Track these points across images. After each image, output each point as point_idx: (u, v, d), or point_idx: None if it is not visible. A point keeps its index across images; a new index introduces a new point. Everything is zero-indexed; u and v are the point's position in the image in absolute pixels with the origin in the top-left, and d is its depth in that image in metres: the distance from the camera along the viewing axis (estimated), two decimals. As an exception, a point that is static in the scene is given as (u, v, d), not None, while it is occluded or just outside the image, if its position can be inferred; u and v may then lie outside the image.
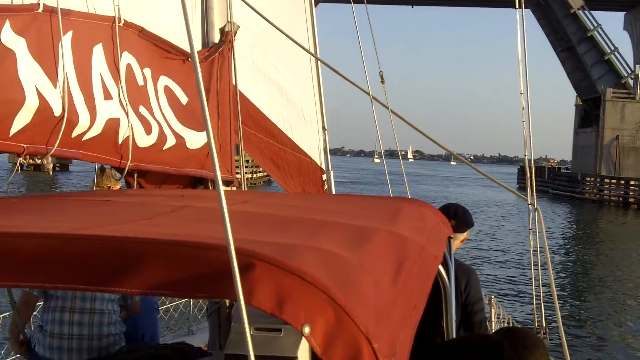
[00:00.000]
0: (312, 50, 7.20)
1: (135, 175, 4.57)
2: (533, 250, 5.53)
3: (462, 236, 5.11)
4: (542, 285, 5.63)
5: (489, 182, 5.77)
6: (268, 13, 5.98)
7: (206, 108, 1.79)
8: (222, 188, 1.74)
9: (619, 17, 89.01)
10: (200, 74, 1.79)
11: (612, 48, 77.93)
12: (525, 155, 5.53)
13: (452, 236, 4.02)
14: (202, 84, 1.78)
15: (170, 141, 4.64)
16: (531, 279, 5.78)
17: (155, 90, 4.64)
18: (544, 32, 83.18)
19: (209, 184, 5.12)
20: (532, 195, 5.36)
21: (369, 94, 6.41)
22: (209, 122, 1.80)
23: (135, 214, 2.69)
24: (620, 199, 69.59)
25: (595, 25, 76.98)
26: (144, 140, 4.45)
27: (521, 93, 5.51)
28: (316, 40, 7.44)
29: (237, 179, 5.37)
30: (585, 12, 77.04)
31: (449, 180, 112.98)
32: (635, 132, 74.27)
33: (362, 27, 8.94)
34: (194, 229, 2.36)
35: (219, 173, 1.76)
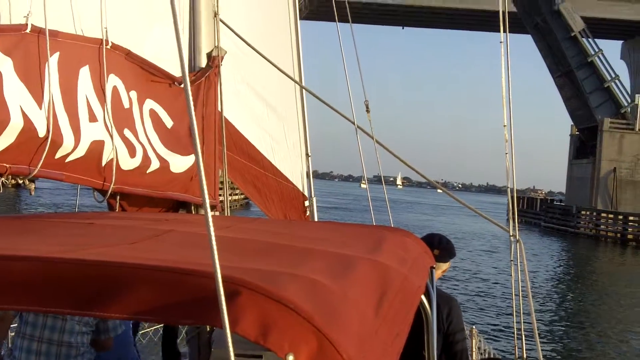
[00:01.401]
0: (297, 78, 7.22)
1: (118, 197, 4.55)
2: (515, 282, 5.54)
3: (445, 266, 5.12)
4: (524, 317, 5.64)
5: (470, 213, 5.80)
6: (253, 38, 6.00)
7: (196, 132, 1.80)
8: (210, 214, 1.74)
9: (615, 45, 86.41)
10: (191, 98, 1.79)
11: (613, 75, 73.84)
12: (508, 187, 5.56)
13: (434, 266, 4.03)
14: (192, 108, 1.79)
15: (154, 164, 4.63)
16: (512, 310, 5.78)
17: (141, 113, 4.64)
18: (542, 55, 79.48)
19: (192, 208, 5.10)
20: (514, 227, 5.37)
21: (353, 123, 6.44)
22: (198, 146, 1.80)
23: (119, 238, 2.68)
24: (618, 235, 65.46)
25: (597, 50, 72.99)
26: (128, 163, 4.44)
27: (504, 125, 5.56)
28: (301, 68, 7.46)
29: (220, 203, 5.36)
30: (587, 36, 72.56)
31: (435, 209, 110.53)
32: (634, 164, 71.01)
33: (350, 55, 8.97)
34: (179, 254, 2.36)
35: (207, 199, 1.76)
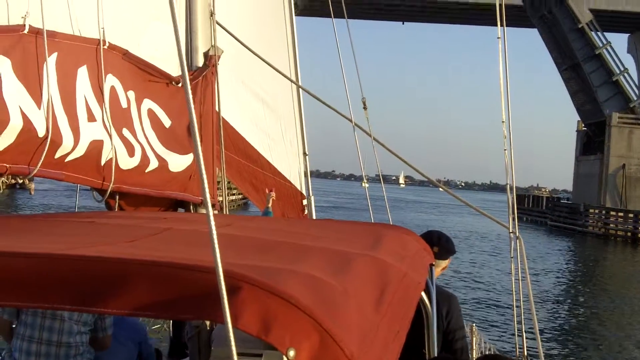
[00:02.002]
0: (294, 77, 7.23)
1: (117, 197, 4.56)
2: (515, 278, 5.55)
3: (444, 263, 5.12)
4: (524, 314, 5.65)
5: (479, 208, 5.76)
6: (249, 38, 6.01)
7: (196, 131, 1.80)
8: (211, 211, 1.75)
9: (621, 39, 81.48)
10: (191, 97, 1.80)
11: (622, 68, 70.83)
12: (507, 184, 5.56)
13: (434, 263, 4.03)
14: (192, 107, 1.79)
15: (153, 164, 4.64)
16: (512, 307, 5.79)
17: (139, 112, 4.65)
18: (548, 49, 76.42)
19: (191, 207, 5.11)
20: (513, 224, 5.38)
21: (351, 121, 6.45)
22: (199, 145, 1.81)
23: (119, 236, 2.68)
24: (628, 234, 62.19)
25: (605, 42, 69.95)
26: (127, 163, 4.45)
27: (503, 122, 5.56)
28: (297, 67, 7.47)
29: (219, 202, 5.37)
30: (594, 28, 69.64)
31: (437, 207, 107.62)
32: None
33: (347, 52, 8.95)
34: (179, 251, 2.36)
35: (208, 195, 1.77)
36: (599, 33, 69.42)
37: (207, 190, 1.77)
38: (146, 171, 4.61)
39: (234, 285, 1.70)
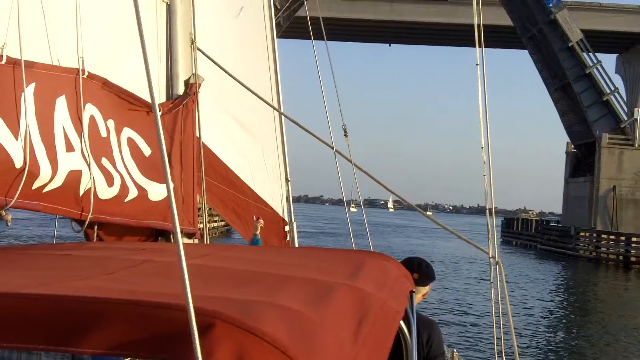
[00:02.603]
0: (276, 103, 7.25)
1: (96, 227, 4.53)
2: (495, 303, 5.55)
3: (424, 290, 5.10)
4: (505, 339, 5.64)
5: (466, 234, 5.74)
6: (231, 64, 6.02)
7: (166, 159, 1.80)
8: (181, 243, 1.74)
9: (609, 60, 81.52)
10: (160, 125, 1.79)
11: (612, 88, 68.58)
12: (487, 209, 5.57)
13: (414, 290, 4.03)
14: (162, 135, 1.79)
15: (132, 193, 4.62)
16: (492, 332, 5.79)
17: (119, 141, 4.64)
18: (537, 69, 74.33)
19: (171, 236, 5.09)
20: (493, 248, 5.38)
21: (332, 148, 6.46)
22: (168, 172, 1.80)
23: (95, 270, 2.67)
24: (620, 257, 60.42)
25: (595, 61, 68.12)
26: (106, 192, 4.43)
27: (482, 147, 5.58)
28: (280, 93, 7.49)
29: (199, 230, 5.35)
30: (584, 46, 67.79)
31: (425, 232, 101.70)
32: (635, 182, 66.03)
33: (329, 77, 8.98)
34: (155, 285, 2.35)
35: (178, 227, 1.76)
36: (590, 54, 68.45)
37: (177, 222, 1.77)
38: (125, 201, 4.59)
39: (206, 322, 1.69)
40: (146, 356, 1.71)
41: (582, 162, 72.71)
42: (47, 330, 1.77)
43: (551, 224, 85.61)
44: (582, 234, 65.87)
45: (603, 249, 62.86)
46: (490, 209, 5.52)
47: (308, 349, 1.85)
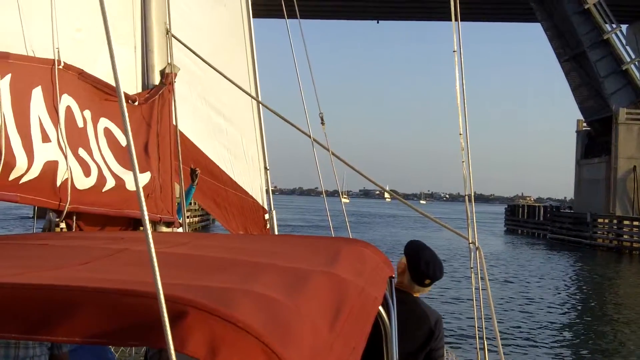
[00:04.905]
0: (254, 91, 7.24)
1: (74, 217, 4.53)
2: (475, 289, 5.58)
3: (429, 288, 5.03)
4: (486, 324, 5.67)
5: (461, 222, 5.67)
6: (209, 53, 6.01)
7: (132, 148, 1.80)
8: (150, 232, 1.75)
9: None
10: (126, 113, 1.80)
11: (632, 57, 60.47)
12: (465, 195, 5.59)
13: (393, 276, 4.04)
14: (128, 124, 1.80)
15: (110, 183, 4.62)
16: (474, 317, 5.81)
17: (95, 132, 4.63)
18: (548, 38, 65.67)
19: (150, 225, 5.09)
20: (472, 234, 5.41)
21: (309, 136, 6.47)
22: (135, 160, 1.81)
23: (71, 259, 2.66)
24: None
25: (614, 26, 59.48)
26: (83, 182, 4.42)
27: (460, 134, 5.60)
28: (257, 81, 7.48)
29: (179, 220, 5.36)
30: (602, 9, 58.83)
31: (419, 222, 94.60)
32: None
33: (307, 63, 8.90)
34: (130, 274, 2.35)
35: (146, 215, 1.77)
36: (606, 14, 59.39)
37: (144, 209, 1.77)
38: (103, 190, 4.58)
39: (180, 310, 1.70)
40: (119, 344, 1.71)
41: (595, 141, 65.26)
42: (19, 319, 1.77)
43: (563, 211, 76.31)
44: (599, 220, 58.59)
45: (626, 236, 56.08)
46: (469, 195, 5.55)
47: (283, 336, 1.86)
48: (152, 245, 1.72)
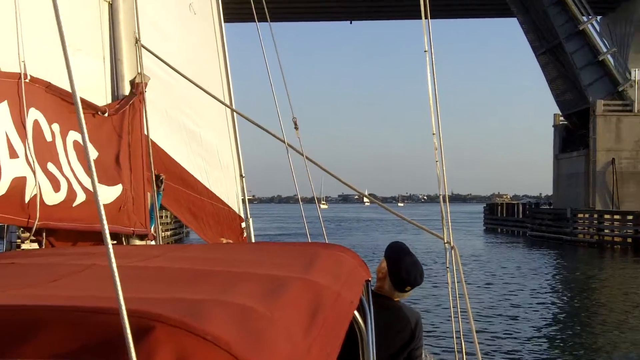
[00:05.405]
0: (227, 99, 7.20)
1: (44, 234, 4.45)
2: (452, 288, 5.58)
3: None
4: (463, 323, 5.67)
5: (438, 224, 5.63)
6: (181, 62, 5.97)
7: (92, 161, 1.76)
8: (110, 243, 1.71)
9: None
10: (84, 125, 1.76)
11: (608, 47, 59.57)
12: (439, 195, 5.59)
13: (369, 279, 4.02)
14: (86, 134, 1.76)
15: (80, 197, 4.54)
16: (451, 317, 5.82)
17: (64, 145, 4.56)
18: (524, 31, 65.43)
19: (122, 239, 5.03)
20: (447, 233, 5.41)
21: (283, 142, 6.44)
22: (94, 174, 1.77)
23: (39, 277, 2.61)
24: (629, 239, 51.94)
25: (589, 16, 58.85)
26: (53, 198, 4.35)
27: (433, 134, 5.61)
28: (231, 88, 7.44)
29: (152, 232, 5.30)
30: (579, 2, 58.28)
31: (399, 225, 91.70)
32: (636, 153, 57.98)
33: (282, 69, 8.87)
34: (101, 290, 2.30)
35: (106, 227, 1.72)
36: (581, 4, 58.94)
37: (104, 221, 1.73)
38: (73, 205, 4.51)
39: (146, 325, 1.65)
40: None
41: (573, 135, 64.90)
42: None
43: (542, 207, 76.97)
44: (580, 215, 58.29)
45: (607, 231, 55.12)
46: (443, 196, 5.55)
47: (255, 346, 1.83)
48: (113, 259, 1.68)
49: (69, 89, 4.69)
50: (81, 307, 1.78)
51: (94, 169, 1.77)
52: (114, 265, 1.66)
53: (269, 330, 2.02)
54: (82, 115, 1.75)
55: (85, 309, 1.77)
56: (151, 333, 1.65)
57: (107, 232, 1.72)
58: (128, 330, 1.55)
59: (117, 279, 1.64)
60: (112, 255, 1.67)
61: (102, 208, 1.71)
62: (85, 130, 1.74)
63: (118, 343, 1.62)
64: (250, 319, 2.00)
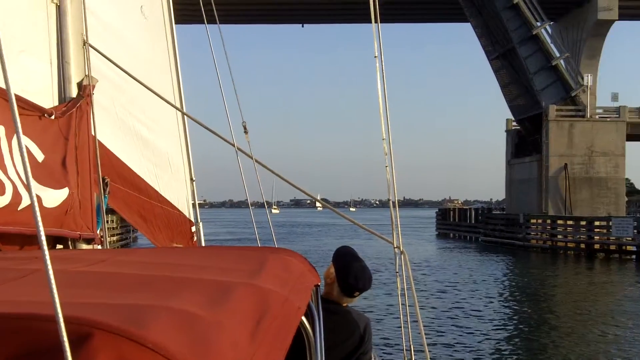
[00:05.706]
0: (178, 102, 7.16)
1: None
2: (401, 294, 5.61)
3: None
4: (412, 328, 5.71)
5: (389, 229, 5.64)
6: (130, 64, 5.91)
7: (27, 165, 1.73)
8: (46, 248, 1.68)
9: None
10: (19, 122, 1.74)
11: (561, 51, 60.77)
12: (389, 200, 5.62)
13: (319, 284, 4.02)
14: (21, 135, 1.73)
15: (26, 201, 4.47)
16: (400, 322, 5.85)
17: (10, 148, 4.47)
18: (477, 35, 65.75)
19: (69, 243, 4.96)
20: (397, 238, 5.44)
21: (233, 145, 6.42)
22: (30, 177, 1.74)
23: None
24: (582, 245, 52.57)
25: (543, 21, 59.96)
26: None
27: (383, 139, 5.63)
28: (182, 91, 7.40)
29: (100, 236, 5.23)
30: (530, 4, 59.43)
31: (351, 230, 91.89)
32: (588, 158, 58.83)
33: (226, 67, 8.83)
34: (40, 296, 2.27)
35: (42, 230, 1.69)
36: (535, 9, 60.10)
37: (40, 223, 1.70)
38: (19, 209, 4.43)
39: (84, 332, 1.63)
40: None
41: (526, 140, 65.70)
42: None
43: (494, 212, 78.12)
44: (532, 221, 58.37)
45: (560, 236, 55.90)
46: (393, 202, 5.58)
47: (198, 353, 1.81)
48: (49, 262, 1.65)
49: (16, 91, 4.63)
50: (17, 314, 1.75)
51: (29, 169, 1.76)
52: (50, 269, 1.63)
53: (213, 337, 2.00)
54: (17, 115, 1.73)
55: (21, 315, 1.74)
56: (89, 340, 1.63)
57: (42, 234, 1.69)
58: (65, 338, 1.53)
59: (53, 283, 1.62)
60: (47, 258, 1.64)
61: (37, 210, 1.69)
62: (20, 130, 1.72)
63: (55, 352, 1.59)
64: (193, 325, 1.99)
